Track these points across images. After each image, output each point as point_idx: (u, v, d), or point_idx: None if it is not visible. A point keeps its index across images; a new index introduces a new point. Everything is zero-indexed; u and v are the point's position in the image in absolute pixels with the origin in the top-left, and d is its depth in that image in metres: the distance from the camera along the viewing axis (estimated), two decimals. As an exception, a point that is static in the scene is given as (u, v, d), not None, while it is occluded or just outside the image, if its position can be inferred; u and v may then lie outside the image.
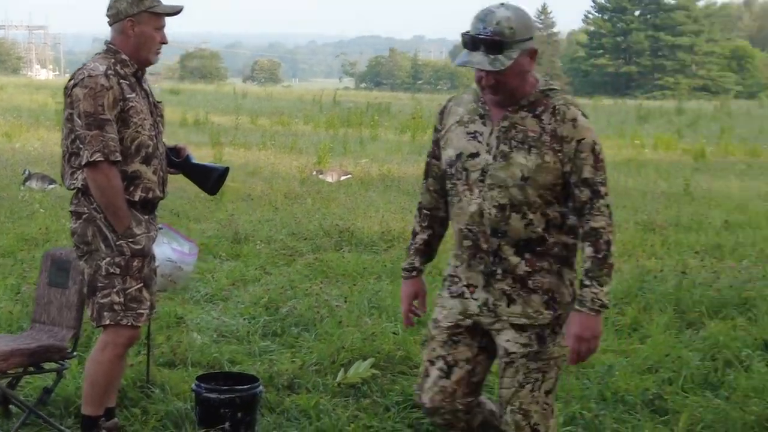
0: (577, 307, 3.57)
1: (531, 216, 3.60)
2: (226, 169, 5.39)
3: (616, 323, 7.72)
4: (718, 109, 50.23)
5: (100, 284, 4.77)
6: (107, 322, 4.79)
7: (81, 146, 4.65)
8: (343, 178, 17.58)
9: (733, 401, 5.80)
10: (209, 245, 10.41)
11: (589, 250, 3.55)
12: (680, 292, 8.42)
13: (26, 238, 10.59)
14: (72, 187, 4.84)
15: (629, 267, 9.73)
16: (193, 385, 5.44)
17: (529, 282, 3.62)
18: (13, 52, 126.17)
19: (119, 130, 4.70)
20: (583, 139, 3.56)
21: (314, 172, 18.06)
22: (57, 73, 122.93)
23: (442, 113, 3.92)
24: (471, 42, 3.52)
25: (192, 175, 5.32)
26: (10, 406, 5.51)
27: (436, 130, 3.94)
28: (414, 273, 4.04)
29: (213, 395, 5.27)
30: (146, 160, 4.84)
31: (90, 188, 4.70)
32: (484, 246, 3.65)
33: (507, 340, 3.66)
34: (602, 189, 3.57)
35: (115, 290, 4.76)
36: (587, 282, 3.54)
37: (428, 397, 3.77)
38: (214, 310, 8.01)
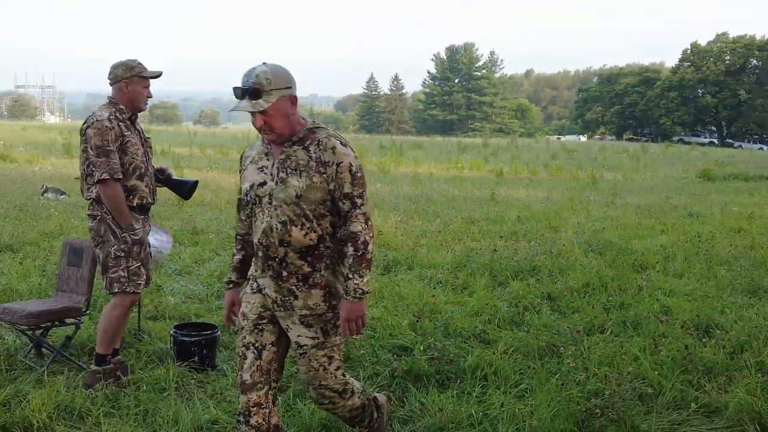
0: (344, 296, 3.27)
1: (308, 227, 3.25)
2: (196, 182, 5.40)
3: (452, 284, 7.81)
4: (510, 144, 51.35)
5: (110, 264, 4.77)
6: (116, 290, 4.79)
7: (93, 169, 4.66)
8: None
9: (531, 333, 5.91)
10: (176, 236, 10.13)
11: (350, 249, 3.24)
12: (493, 262, 8.53)
13: (46, 233, 10.18)
14: (89, 198, 4.83)
15: (460, 247, 9.85)
16: (171, 332, 5.35)
17: (311, 279, 3.29)
18: (31, 104, 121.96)
19: (120, 157, 4.73)
20: (341, 162, 3.24)
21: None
22: (62, 118, 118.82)
23: (242, 158, 3.58)
24: (240, 93, 3.23)
25: (172, 186, 5.29)
26: (43, 349, 5.34)
27: (240, 171, 3.59)
28: (231, 285, 3.63)
29: (186, 338, 5.20)
30: (140, 177, 4.86)
31: (101, 198, 4.69)
32: (273, 254, 3.29)
33: (298, 335, 3.33)
34: (359, 200, 3.25)
35: (121, 268, 4.77)
36: (350, 275, 3.24)
37: (248, 374, 3.36)
38: (182, 281, 7.86)
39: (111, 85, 4.87)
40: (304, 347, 3.35)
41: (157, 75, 4.98)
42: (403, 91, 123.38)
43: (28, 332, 5.24)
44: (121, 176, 4.69)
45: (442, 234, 11.08)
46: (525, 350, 5.52)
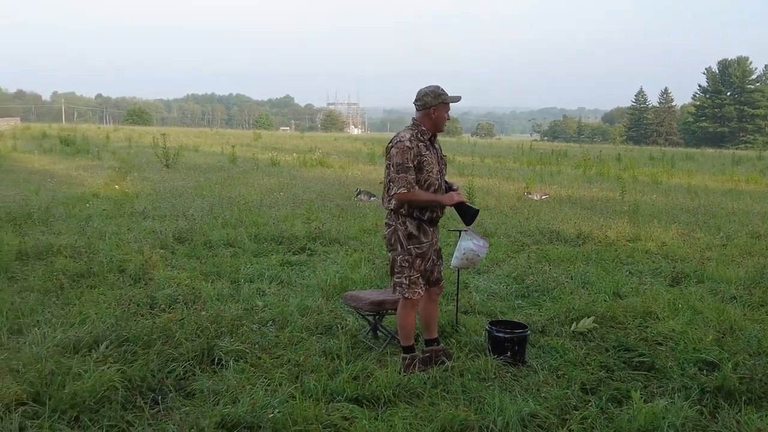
0: None
1: None
2: (478, 210, 5.23)
3: (748, 301, 7.07)
4: (787, 157, 45.69)
5: (396, 270, 4.90)
6: (397, 293, 4.92)
7: (392, 184, 4.77)
8: (543, 197, 17.01)
9: None
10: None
11: None
12: (792, 280, 7.60)
13: (364, 229, 10.80)
14: (387, 207, 4.95)
15: (752, 262, 8.90)
16: (486, 327, 5.38)
17: None
18: (339, 118, 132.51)
19: (417, 175, 4.78)
20: None
21: (525, 193, 17.61)
22: (364, 131, 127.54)
23: None
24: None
25: (459, 208, 5.12)
26: (378, 332, 5.64)
27: None
28: None
29: (500, 334, 5.19)
30: (434, 193, 4.87)
31: (400, 207, 4.81)
32: None
33: None
34: None
35: (404, 276, 4.86)
36: None
37: None
38: (482, 279, 7.91)
39: (419, 110, 4.90)
40: None
41: (457, 99, 4.98)
42: (673, 103, 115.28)
43: (368, 317, 5.61)
44: (416, 189, 4.73)
45: (728, 248, 10.11)
46: None
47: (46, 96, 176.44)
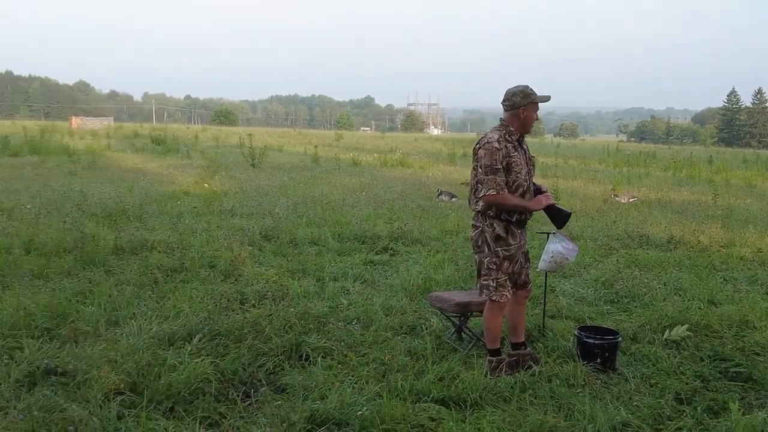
0: None
1: None
2: (570, 213, 5.08)
3: None
4: None
5: (483, 272, 4.85)
6: (484, 296, 4.87)
7: (480, 186, 4.70)
8: (631, 200, 16.49)
9: None
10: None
11: None
12: None
13: (446, 230, 10.77)
14: (474, 209, 4.89)
15: None
16: (575, 332, 5.27)
17: None
18: (419, 118, 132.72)
19: (506, 177, 4.71)
20: None
21: (612, 195, 17.14)
22: (443, 131, 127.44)
23: None
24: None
25: (549, 211, 5.02)
26: (462, 333, 5.61)
27: None
28: None
29: (590, 341, 5.08)
30: (522, 195, 4.81)
31: (487, 210, 4.76)
32: None
33: None
34: None
35: (491, 278, 4.81)
36: None
37: None
38: (568, 283, 7.74)
39: (507, 110, 4.80)
40: None
41: (547, 99, 4.87)
42: (767, 104, 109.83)
43: (453, 318, 5.59)
44: (505, 191, 4.67)
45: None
46: None
47: (137, 97, 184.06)
